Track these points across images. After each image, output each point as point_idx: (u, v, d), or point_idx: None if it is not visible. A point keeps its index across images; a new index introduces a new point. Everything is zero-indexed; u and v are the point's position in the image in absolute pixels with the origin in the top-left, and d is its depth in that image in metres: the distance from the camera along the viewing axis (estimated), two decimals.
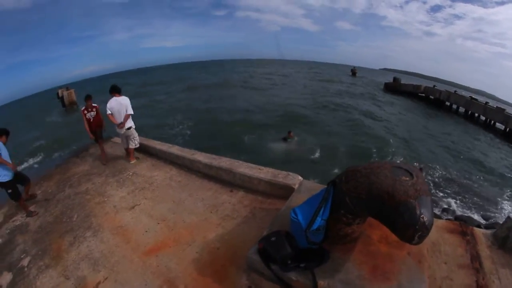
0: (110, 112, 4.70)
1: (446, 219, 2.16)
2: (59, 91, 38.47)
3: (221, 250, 2.44)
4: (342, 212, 1.57)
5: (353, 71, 49.55)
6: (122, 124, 4.64)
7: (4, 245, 3.32)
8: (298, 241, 1.69)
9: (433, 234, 1.99)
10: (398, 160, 10.45)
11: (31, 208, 3.88)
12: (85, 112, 5.35)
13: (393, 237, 1.73)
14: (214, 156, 3.87)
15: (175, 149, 4.48)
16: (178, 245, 2.63)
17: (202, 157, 3.88)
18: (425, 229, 1.28)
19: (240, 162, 3.58)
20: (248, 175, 3.25)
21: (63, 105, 32.77)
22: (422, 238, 1.30)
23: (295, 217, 1.67)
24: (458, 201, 8.35)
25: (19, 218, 3.82)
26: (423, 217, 1.27)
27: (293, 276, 1.63)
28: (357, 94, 27.71)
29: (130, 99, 4.77)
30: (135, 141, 4.95)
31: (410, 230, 1.29)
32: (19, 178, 3.94)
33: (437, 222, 2.14)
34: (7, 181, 3.68)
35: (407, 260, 1.65)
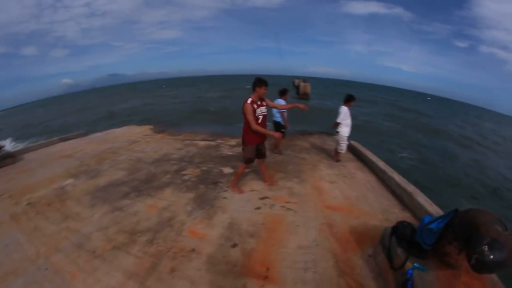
0: (343, 120, 5.93)
1: None
2: (296, 81, 46.37)
3: (372, 231, 3.65)
4: (450, 230, 2.42)
5: None
6: (333, 125, 6.12)
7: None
8: (417, 233, 2.65)
9: None
10: None
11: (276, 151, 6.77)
12: (254, 106, 4.14)
13: None
14: (406, 181, 4.80)
15: (381, 164, 5.71)
16: (348, 215, 4.08)
17: (397, 178, 4.92)
18: (482, 256, 1.92)
19: (421, 193, 4.34)
20: (421, 204, 4.05)
21: (297, 93, 39.87)
22: (478, 262, 1.95)
23: (424, 217, 2.65)
24: None
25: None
26: (485, 249, 1.92)
27: (399, 251, 2.69)
28: None
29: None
30: (340, 145, 6.15)
31: (472, 251, 2.01)
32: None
33: None
34: (281, 124, 6.54)
35: None
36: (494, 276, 2.42)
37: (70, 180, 6.01)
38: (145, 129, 10.87)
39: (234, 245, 3.39)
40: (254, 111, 4.12)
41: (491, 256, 1.93)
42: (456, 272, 2.47)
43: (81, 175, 6.33)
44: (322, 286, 2.79)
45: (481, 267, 1.99)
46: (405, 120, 31.29)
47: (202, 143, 7.05)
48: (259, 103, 4.18)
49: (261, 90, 4.11)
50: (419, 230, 2.65)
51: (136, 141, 8.89)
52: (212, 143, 6.86)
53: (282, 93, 6.57)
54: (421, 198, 4.14)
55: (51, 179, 6.20)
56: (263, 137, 4.44)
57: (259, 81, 4.11)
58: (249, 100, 4.10)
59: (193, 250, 3.35)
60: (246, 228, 3.76)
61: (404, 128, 26.21)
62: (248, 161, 4.51)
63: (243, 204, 4.41)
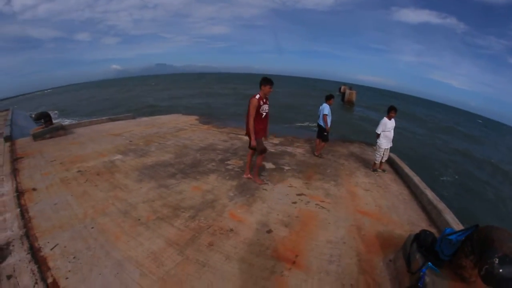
0: (381, 131, 6.35)
1: None
2: (342, 87, 46.45)
3: (397, 239, 4.00)
4: (468, 244, 2.68)
5: None
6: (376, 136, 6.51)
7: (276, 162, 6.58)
8: (437, 243, 2.96)
9: None
10: None
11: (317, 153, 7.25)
12: (261, 102, 4.71)
13: None
14: (438, 198, 5.02)
15: (416, 179, 5.95)
16: (377, 221, 4.46)
17: (429, 194, 5.16)
18: (492, 268, 2.17)
19: (450, 212, 4.56)
20: (448, 222, 4.23)
21: (342, 99, 40.15)
22: (487, 273, 2.20)
23: (446, 229, 2.96)
24: None
25: (290, 151, 7.35)
26: (496, 261, 2.19)
27: (417, 256, 3.03)
28: None
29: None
30: (375, 155, 6.61)
31: (483, 263, 2.30)
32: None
33: None
34: (325, 128, 6.92)
35: None
36: None
37: (119, 156, 6.86)
38: (191, 119, 11.75)
39: (269, 231, 3.91)
40: (259, 106, 4.66)
41: (500, 270, 2.20)
42: (468, 287, 2.74)
43: (130, 152, 7.18)
44: (343, 279, 3.21)
45: (490, 278, 2.25)
46: (455, 145, 29.90)
47: (246, 138, 7.61)
48: (264, 100, 4.74)
49: (266, 89, 4.65)
50: (439, 240, 2.97)
51: (182, 129, 9.74)
52: None
53: (328, 98, 7.11)
54: (449, 217, 4.38)
55: (101, 152, 7.11)
56: (266, 130, 5.10)
57: (265, 80, 4.65)
58: (257, 96, 4.67)
59: (231, 230, 3.91)
60: (281, 218, 4.29)
61: (451, 152, 25.30)
62: (263, 151, 5.11)
63: (281, 197, 4.95)
